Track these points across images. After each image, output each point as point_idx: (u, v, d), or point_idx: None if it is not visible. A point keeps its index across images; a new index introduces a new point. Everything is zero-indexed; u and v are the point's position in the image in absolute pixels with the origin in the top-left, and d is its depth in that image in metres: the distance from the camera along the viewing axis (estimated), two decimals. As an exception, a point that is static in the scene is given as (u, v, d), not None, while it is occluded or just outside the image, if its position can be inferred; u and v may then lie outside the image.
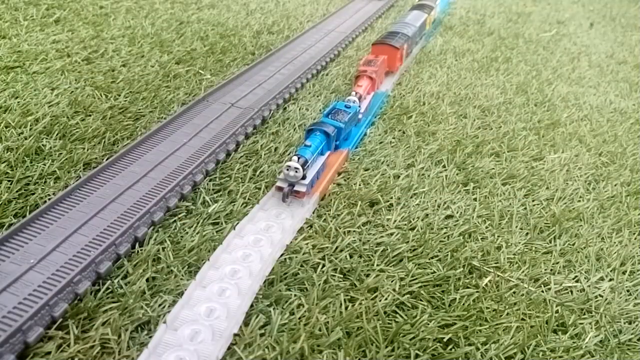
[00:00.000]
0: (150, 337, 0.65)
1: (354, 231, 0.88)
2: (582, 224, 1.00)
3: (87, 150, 0.98)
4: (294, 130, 1.17)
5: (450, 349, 0.70)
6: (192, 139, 1.06)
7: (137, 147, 1.00)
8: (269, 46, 1.63)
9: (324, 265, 0.80)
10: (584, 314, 0.80)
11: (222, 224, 0.86)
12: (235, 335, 0.66)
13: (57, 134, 1.00)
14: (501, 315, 0.76)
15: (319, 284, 0.76)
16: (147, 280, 0.72)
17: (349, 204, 0.95)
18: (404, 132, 1.24)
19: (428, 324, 0.72)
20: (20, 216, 0.81)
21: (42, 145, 0.97)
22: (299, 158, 0.89)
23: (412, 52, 1.76)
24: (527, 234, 0.95)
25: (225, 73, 1.40)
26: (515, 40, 2.12)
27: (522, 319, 0.76)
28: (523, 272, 0.85)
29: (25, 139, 0.97)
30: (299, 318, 0.70)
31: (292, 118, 1.23)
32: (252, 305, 0.71)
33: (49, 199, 0.84)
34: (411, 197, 0.99)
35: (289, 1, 2.13)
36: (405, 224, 0.92)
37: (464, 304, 0.77)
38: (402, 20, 1.80)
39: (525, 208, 1.03)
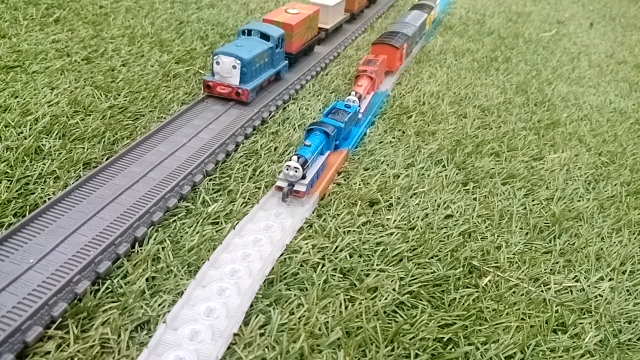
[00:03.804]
0: (150, 336, 0.65)
1: (353, 231, 0.88)
2: (582, 224, 1.00)
3: (87, 149, 0.98)
4: (294, 129, 1.17)
5: (450, 349, 0.70)
6: (192, 139, 1.06)
7: (136, 147, 1.00)
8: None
9: (323, 265, 0.80)
10: (584, 314, 0.80)
11: (221, 223, 0.86)
12: (235, 334, 0.66)
13: (56, 134, 1.00)
14: (501, 315, 0.76)
15: (319, 284, 0.76)
16: (146, 279, 0.72)
17: (349, 204, 0.95)
18: (403, 132, 1.24)
19: (428, 324, 0.72)
20: (19, 216, 0.80)
21: (42, 144, 0.96)
22: (298, 158, 0.89)
23: (412, 52, 1.76)
24: (527, 233, 0.95)
25: (225, 73, 1.40)
26: (515, 40, 2.12)
27: (522, 319, 0.76)
28: (523, 271, 0.85)
29: (25, 138, 0.97)
30: (299, 318, 0.70)
31: (292, 118, 1.23)
32: (252, 305, 0.71)
33: (49, 199, 0.84)
34: (411, 197, 0.99)
35: (288, 1, 2.13)
36: (405, 224, 0.92)
37: (463, 304, 0.77)
38: (402, 20, 1.80)
39: (525, 208, 1.03)
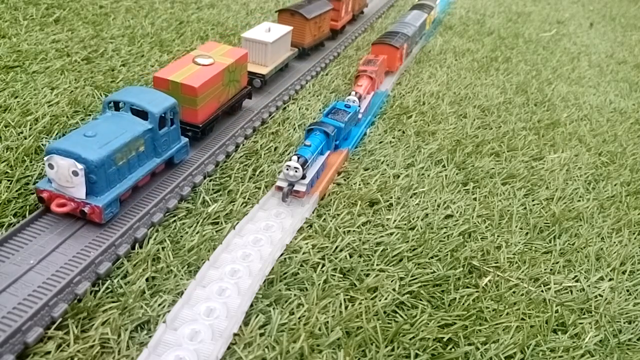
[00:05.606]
0: (150, 336, 0.65)
1: (353, 231, 0.88)
2: (582, 224, 1.00)
3: (87, 150, 0.98)
4: (294, 129, 1.17)
5: (450, 349, 0.70)
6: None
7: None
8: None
9: (323, 265, 0.80)
10: (584, 314, 0.80)
11: (221, 223, 0.86)
12: (235, 334, 0.66)
13: (56, 134, 1.00)
14: (501, 315, 0.76)
15: (319, 284, 0.76)
16: (146, 279, 0.72)
17: (349, 204, 0.95)
18: (403, 132, 1.24)
19: (428, 324, 0.72)
20: (19, 216, 0.80)
21: (42, 144, 0.96)
22: (298, 158, 0.89)
23: (412, 52, 1.76)
24: (527, 233, 0.95)
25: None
26: (515, 40, 2.12)
27: (522, 319, 0.76)
28: (523, 271, 0.85)
29: (25, 138, 0.97)
30: (299, 318, 0.70)
31: (291, 118, 1.23)
32: (252, 305, 0.71)
33: (49, 199, 0.84)
34: (411, 197, 0.99)
35: (288, 1, 2.13)
36: (405, 224, 0.92)
37: (463, 304, 0.77)
38: (402, 20, 1.80)
39: (525, 208, 1.03)
